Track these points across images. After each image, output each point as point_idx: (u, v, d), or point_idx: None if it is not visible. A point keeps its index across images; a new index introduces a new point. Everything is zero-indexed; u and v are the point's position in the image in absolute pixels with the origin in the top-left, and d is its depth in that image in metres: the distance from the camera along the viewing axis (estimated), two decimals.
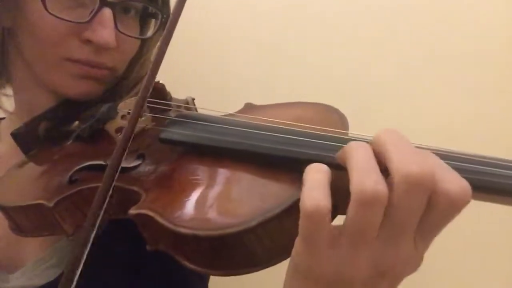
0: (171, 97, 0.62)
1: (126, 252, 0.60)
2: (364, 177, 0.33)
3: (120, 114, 0.56)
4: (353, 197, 0.33)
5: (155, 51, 0.45)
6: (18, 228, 0.55)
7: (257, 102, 0.61)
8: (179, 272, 0.62)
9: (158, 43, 0.44)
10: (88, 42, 0.57)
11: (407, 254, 0.35)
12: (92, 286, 0.58)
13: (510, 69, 0.87)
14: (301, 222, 0.35)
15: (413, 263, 0.36)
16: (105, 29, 0.56)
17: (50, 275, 0.60)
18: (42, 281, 0.59)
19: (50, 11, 0.55)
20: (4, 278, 0.62)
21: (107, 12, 0.56)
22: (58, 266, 0.60)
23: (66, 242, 0.61)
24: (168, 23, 0.42)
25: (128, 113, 0.56)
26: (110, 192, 0.40)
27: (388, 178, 0.33)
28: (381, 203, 0.32)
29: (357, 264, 0.34)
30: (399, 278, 0.36)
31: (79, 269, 0.42)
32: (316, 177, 0.35)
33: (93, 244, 0.59)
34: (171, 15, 0.43)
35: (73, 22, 0.56)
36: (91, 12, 0.56)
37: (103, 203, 0.42)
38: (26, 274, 0.61)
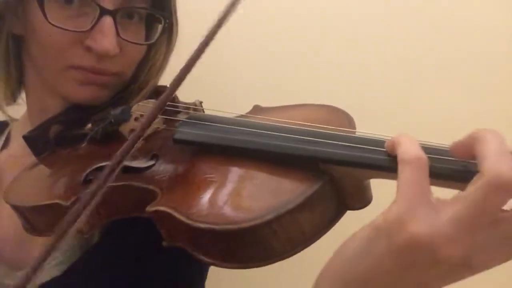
0: (178, 100, 0.64)
1: (133, 250, 0.62)
2: (501, 161, 0.32)
3: (134, 116, 0.57)
4: (486, 180, 0.32)
5: (185, 63, 0.45)
6: (32, 228, 0.56)
7: (263, 104, 0.63)
8: (184, 272, 0.64)
9: (191, 55, 0.45)
10: (90, 49, 0.58)
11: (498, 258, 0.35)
12: (98, 285, 0.60)
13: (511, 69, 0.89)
14: (402, 174, 0.35)
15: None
16: (105, 37, 0.57)
17: (56, 271, 0.61)
18: (49, 277, 0.60)
19: (51, 21, 0.56)
20: (13, 276, 0.63)
21: (107, 20, 0.57)
22: (64, 262, 0.61)
23: (72, 241, 0.62)
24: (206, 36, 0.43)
25: (141, 115, 0.58)
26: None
27: None
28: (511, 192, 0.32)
29: (456, 244, 0.33)
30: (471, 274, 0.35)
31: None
32: (410, 138, 0.37)
33: (99, 243, 0.60)
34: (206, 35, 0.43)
35: (74, 31, 0.58)
36: (92, 20, 0.57)
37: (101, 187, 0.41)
38: None
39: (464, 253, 0.33)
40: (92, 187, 0.39)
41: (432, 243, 0.33)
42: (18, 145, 0.70)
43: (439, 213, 0.33)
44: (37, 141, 0.63)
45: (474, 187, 0.32)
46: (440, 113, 0.89)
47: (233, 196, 0.43)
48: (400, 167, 0.36)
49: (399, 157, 0.36)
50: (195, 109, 0.61)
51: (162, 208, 0.44)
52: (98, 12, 0.57)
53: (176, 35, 0.68)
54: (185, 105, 0.61)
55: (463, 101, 0.89)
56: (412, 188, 0.34)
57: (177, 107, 0.60)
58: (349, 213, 0.46)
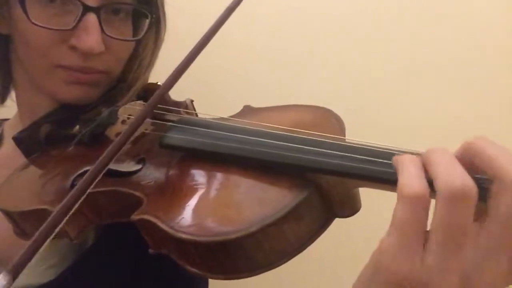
0: (170, 99, 0.63)
1: (128, 253, 0.61)
2: (451, 172, 0.32)
3: (121, 119, 0.56)
4: (441, 194, 0.31)
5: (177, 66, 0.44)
6: (23, 232, 0.55)
7: (256, 102, 0.61)
8: (183, 273, 0.63)
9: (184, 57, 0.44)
10: (75, 48, 0.57)
11: (499, 274, 0.33)
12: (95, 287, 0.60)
13: (510, 69, 0.87)
14: (399, 211, 0.33)
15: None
16: (89, 35, 0.56)
17: (51, 274, 0.60)
18: (43, 280, 0.60)
19: (33, 20, 0.55)
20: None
21: (91, 17, 0.56)
22: (59, 265, 0.61)
23: (67, 243, 0.61)
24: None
25: (128, 118, 0.56)
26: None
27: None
28: (472, 199, 0.31)
29: (447, 272, 0.32)
30: None
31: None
32: (413, 166, 0.34)
33: (93, 246, 0.60)
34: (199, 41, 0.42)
35: (57, 30, 0.56)
36: (75, 18, 0.56)
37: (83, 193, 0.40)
38: (28, 273, 0.62)
39: (459, 276, 0.32)
40: (69, 196, 0.38)
41: (426, 283, 0.32)
42: (9, 146, 0.69)
43: (430, 247, 0.32)
44: (26, 142, 0.62)
45: (437, 205, 0.32)
46: (439, 115, 0.88)
47: (218, 205, 0.43)
48: (397, 201, 0.33)
49: (398, 188, 0.33)
50: (185, 110, 0.60)
51: (146, 217, 0.43)
52: (81, 9, 0.55)
53: (164, 30, 0.66)
54: (175, 106, 0.60)
55: (462, 102, 0.88)
56: (405, 229, 0.32)
57: (167, 108, 0.58)
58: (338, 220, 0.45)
